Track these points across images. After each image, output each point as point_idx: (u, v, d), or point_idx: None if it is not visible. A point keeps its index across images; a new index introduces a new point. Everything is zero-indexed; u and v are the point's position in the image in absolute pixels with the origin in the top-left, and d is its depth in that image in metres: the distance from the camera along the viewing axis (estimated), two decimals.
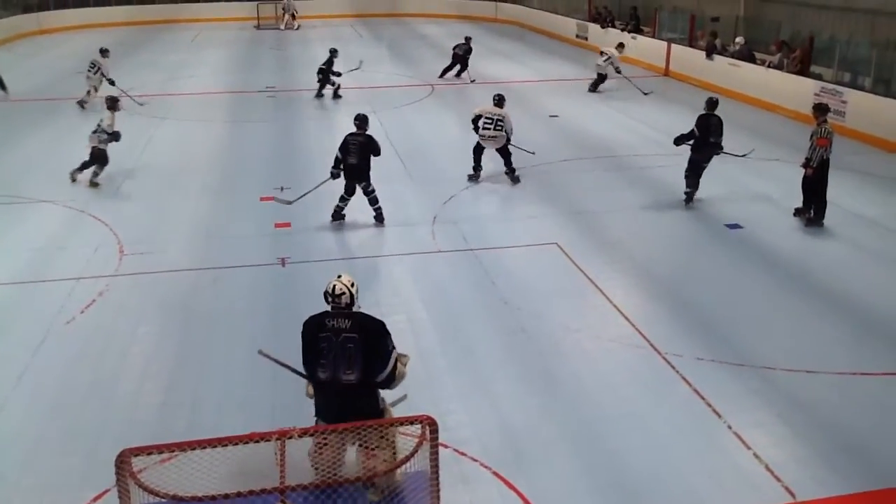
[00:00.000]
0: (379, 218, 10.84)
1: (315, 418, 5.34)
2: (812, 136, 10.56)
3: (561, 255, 9.90)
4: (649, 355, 7.58)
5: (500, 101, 12.62)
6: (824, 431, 6.42)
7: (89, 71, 17.63)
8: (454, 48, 21.81)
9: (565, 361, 7.48)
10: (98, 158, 12.40)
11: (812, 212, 10.74)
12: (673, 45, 22.48)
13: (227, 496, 4.15)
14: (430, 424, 4.58)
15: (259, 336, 7.93)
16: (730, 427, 6.45)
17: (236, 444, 4.52)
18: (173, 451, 4.52)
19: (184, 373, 7.33)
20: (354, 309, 5.28)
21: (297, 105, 18.75)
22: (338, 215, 10.85)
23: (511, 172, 12.67)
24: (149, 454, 4.30)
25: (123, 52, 24.95)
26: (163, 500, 4.16)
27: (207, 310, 8.57)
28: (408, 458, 4.57)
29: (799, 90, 16.83)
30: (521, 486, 5.72)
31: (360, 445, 5.10)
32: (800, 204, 10.93)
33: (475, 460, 5.98)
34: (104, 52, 17.93)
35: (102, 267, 9.52)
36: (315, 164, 13.78)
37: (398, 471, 4.97)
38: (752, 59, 19.47)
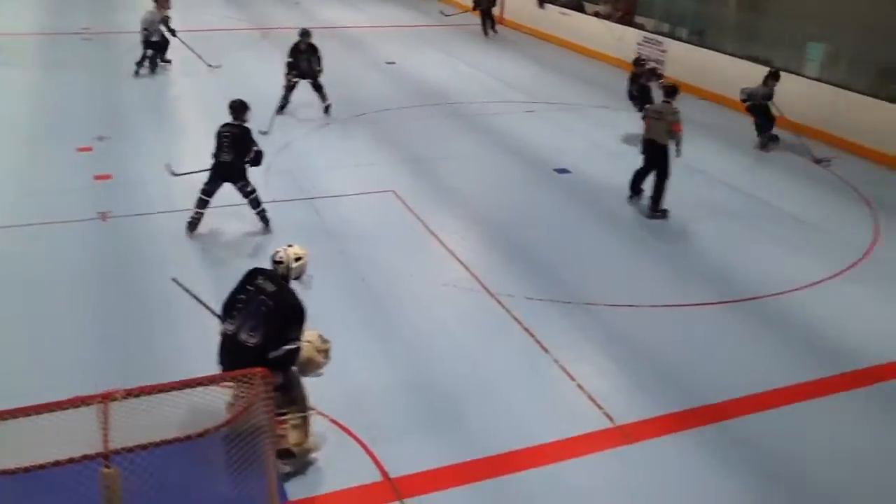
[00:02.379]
0: (265, 221, 8.95)
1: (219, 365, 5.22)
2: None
3: (397, 201, 9.96)
4: (482, 297, 7.82)
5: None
6: (641, 361, 6.92)
7: None
8: None
9: (402, 307, 7.59)
10: None
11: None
12: None
13: (42, 466, 3.93)
14: (264, 377, 4.54)
15: (81, 295, 7.51)
16: (556, 361, 6.81)
17: (56, 410, 4.29)
18: None
19: (6, 343, 6.80)
20: (290, 284, 5.32)
21: (115, 49, 17.51)
22: (195, 224, 8.79)
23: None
24: None
25: None
26: None
27: (23, 271, 7.96)
28: (242, 412, 4.52)
29: (623, 38, 17.58)
30: (358, 432, 5.80)
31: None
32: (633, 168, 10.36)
33: (312, 408, 5.98)
34: None
35: None
36: (135, 112, 13.06)
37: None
38: (581, 9, 20.12)
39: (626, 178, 11.01)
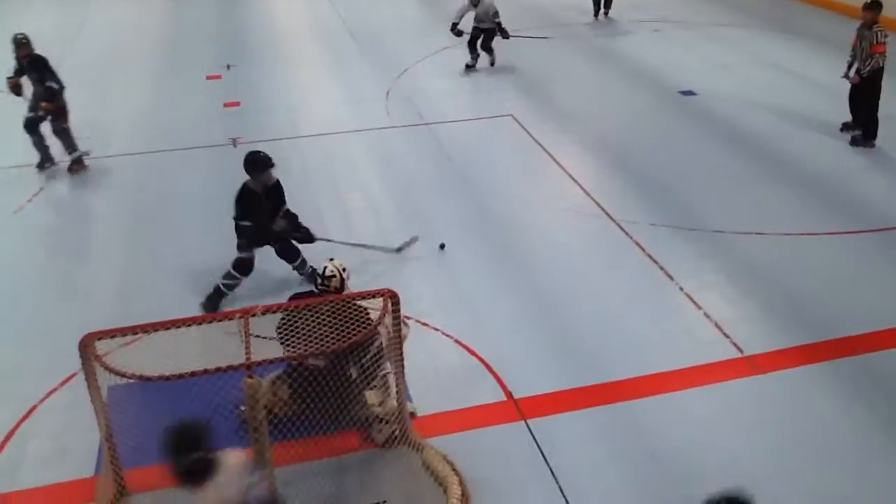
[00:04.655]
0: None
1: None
2: (861, 39, 8.91)
3: (516, 126, 9.85)
4: (604, 223, 7.71)
5: None
6: (770, 290, 6.68)
7: None
8: None
9: (522, 233, 7.58)
10: None
11: (860, 129, 9.22)
12: None
13: (193, 374, 4.20)
14: (392, 297, 4.67)
15: (214, 218, 7.86)
16: (681, 289, 6.67)
17: (199, 324, 4.56)
18: (136, 334, 4.55)
19: (140, 256, 7.27)
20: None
21: None
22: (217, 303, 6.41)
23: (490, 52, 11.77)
24: (112, 337, 4.32)
25: None
26: (130, 380, 4.21)
27: (160, 193, 8.42)
28: (373, 329, 4.67)
29: None
30: (480, 352, 5.91)
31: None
32: (846, 118, 9.45)
33: (436, 329, 6.13)
34: None
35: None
36: (261, 42, 13.35)
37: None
38: None
39: (753, 102, 10.46)
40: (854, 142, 9.22)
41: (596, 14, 14.29)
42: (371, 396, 5.21)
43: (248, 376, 4.35)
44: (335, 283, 5.21)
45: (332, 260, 5.32)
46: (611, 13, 14.26)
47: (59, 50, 12.54)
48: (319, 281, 5.26)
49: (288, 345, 4.76)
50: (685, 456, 5.02)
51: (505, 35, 11.60)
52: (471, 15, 11.47)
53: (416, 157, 9.10)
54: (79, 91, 11.12)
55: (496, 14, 11.43)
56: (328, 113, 10.47)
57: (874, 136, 9.12)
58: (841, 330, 6.16)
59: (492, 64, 11.86)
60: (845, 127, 9.44)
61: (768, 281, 6.80)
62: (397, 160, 9.06)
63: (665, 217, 7.75)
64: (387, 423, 5.05)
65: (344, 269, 5.28)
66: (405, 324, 5.46)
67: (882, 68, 8.86)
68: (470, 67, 11.78)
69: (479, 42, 11.62)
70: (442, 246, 7.29)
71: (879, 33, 8.73)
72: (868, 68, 8.80)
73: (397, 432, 5.01)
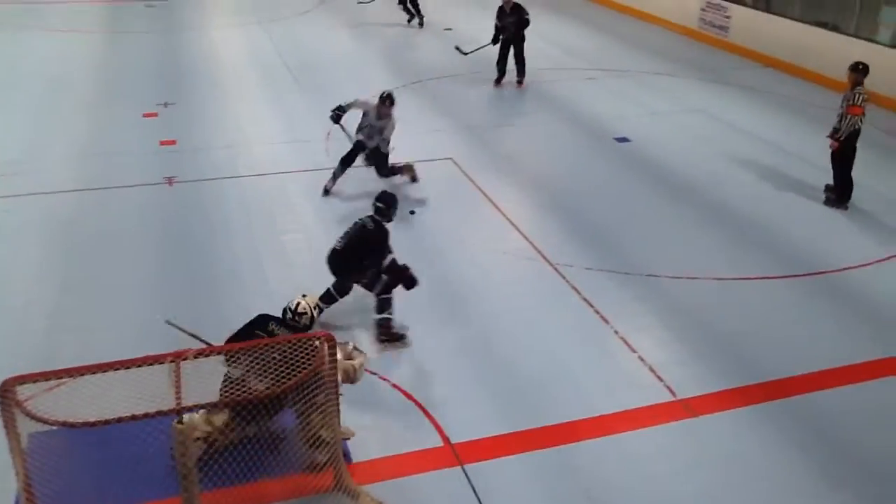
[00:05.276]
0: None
1: None
2: (843, 101, 8.89)
3: (456, 169, 9.94)
4: (541, 266, 7.80)
5: (385, 101, 9.00)
6: (703, 334, 6.83)
7: None
8: None
9: (460, 275, 7.61)
10: None
11: (833, 191, 9.25)
12: None
13: (120, 420, 4.07)
14: (328, 340, 4.62)
15: (149, 258, 7.70)
16: (616, 332, 6.77)
17: (128, 367, 4.42)
18: (61, 378, 4.39)
19: (70, 297, 7.06)
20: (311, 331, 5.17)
21: (179, 14, 17.75)
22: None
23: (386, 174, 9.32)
24: (35, 381, 4.16)
25: None
26: (53, 426, 4.05)
27: (92, 232, 8.20)
28: (306, 375, 4.60)
29: (686, 5, 17.15)
30: (418, 396, 5.87)
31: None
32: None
33: (374, 373, 6.07)
34: None
35: None
36: (199, 78, 13.24)
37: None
38: None
39: (686, 149, 10.80)
40: (828, 201, 9.25)
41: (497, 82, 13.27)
42: (315, 419, 5.09)
43: (178, 421, 4.23)
44: (305, 320, 5.24)
45: (304, 297, 5.32)
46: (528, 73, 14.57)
47: None
48: (290, 316, 5.25)
49: (233, 363, 4.73)
50: (622, 498, 5.07)
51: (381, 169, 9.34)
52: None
53: (356, 199, 9.07)
54: (10, 125, 10.89)
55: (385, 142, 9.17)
56: (267, 152, 10.40)
57: (848, 198, 9.17)
58: (773, 372, 6.33)
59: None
60: (827, 189, 9.34)
61: (701, 324, 6.96)
62: (336, 201, 9.02)
63: (601, 261, 7.89)
64: (328, 444, 4.92)
65: (317, 307, 5.35)
66: (360, 351, 5.45)
67: (858, 131, 8.83)
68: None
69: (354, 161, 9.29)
70: (412, 212, 8.01)
71: (858, 96, 8.74)
72: (844, 131, 8.80)
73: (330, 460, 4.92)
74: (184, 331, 5.40)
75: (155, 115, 11.33)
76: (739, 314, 7.12)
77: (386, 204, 6.72)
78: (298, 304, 5.27)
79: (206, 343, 5.32)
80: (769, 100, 12.93)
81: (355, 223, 6.80)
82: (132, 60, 14.21)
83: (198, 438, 4.95)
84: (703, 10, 16.61)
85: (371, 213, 6.75)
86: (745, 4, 16.15)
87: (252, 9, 17.99)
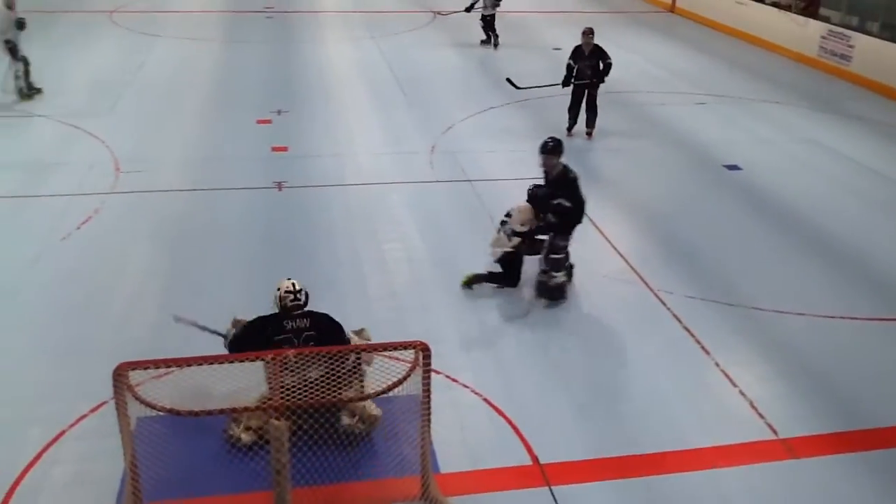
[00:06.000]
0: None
1: None
2: None
3: None
4: (641, 291, 7.64)
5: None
6: (808, 372, 6.53)
7: None
8: None
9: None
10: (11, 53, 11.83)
11: None
12: None
13: (222, 412, 4.21)
14: (424, 350, 4.64)
15: (254, 258, 7.96)
16: (717, 364, 6.56)
17: (231, 362, 4.58)
18: (169, 367, 4.60)
19: (177, 291, 7.35)
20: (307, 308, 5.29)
21: (296, 27, 18.38)
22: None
23: None
24: (145, 369, 4.36)
25: None
26: (159, 412, 4.23)
27: (202, 231, 8.55)
28: (400, 382, 4.63)
29: (805, 32, 16.58)
30: (509, 413, 5.83)
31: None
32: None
33: (466, 386, 6.08)
34: None
35: (97, 184, 9.46)
36: (312, 88, 13.64)
37: (371, 402, 5.17)
38: None
39: (800, 180, 10.45)
40: None
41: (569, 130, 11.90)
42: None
43: (275, 418, 4.34)
44: (302, 296, 5.25)
45: (290, 279, 5.34)
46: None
47: (118, 86, 13.03)
48: (291, 297, 5.24)
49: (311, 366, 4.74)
50: None
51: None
52: None
53: (456, 214, 9.15)
54: (134, 126, 11.51)
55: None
56: (373, 162, 10.61)
57: None
58: (875, 420, 5.99)
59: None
60: None
61: (804, 362, 6.66)
62: (437, 214, 9.12)
63: (703, 290, 7.67)
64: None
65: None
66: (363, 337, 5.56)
67: None
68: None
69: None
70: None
71: None
72: None
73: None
74: (194, 324, 5.66)
75: (269, 121, 11.75)
76: (846, 356, 6.78)
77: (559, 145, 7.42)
78: (293, 283, 5.26)
79: (219, 334, 5.49)
80: (889, 132, 12.33)
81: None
82: (249, 69, 14.78)
83: (249, 428, 5.14)
84: (823, 37, 16.02)
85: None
86: (870, 34, 15.49)
87: (366, 25, 18.44)
